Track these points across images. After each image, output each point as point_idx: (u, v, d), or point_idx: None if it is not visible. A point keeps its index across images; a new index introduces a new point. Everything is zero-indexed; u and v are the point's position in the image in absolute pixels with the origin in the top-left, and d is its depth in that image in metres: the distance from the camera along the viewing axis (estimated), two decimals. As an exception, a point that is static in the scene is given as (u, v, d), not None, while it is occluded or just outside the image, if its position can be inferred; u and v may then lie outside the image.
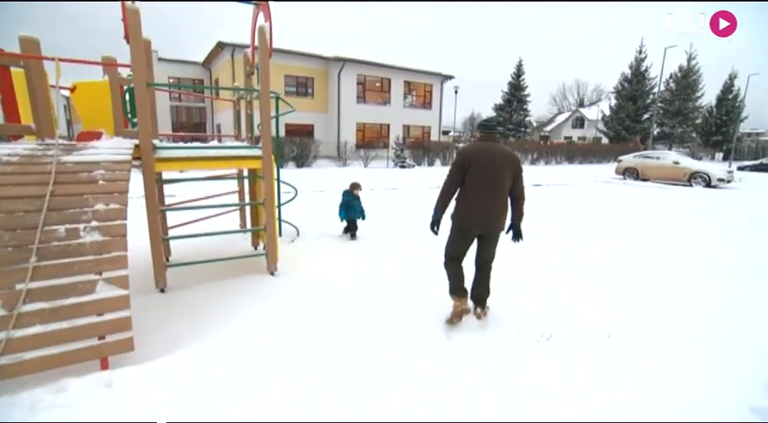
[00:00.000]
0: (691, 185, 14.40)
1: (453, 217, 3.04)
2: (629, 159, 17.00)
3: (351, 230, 5.62)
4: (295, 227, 5.77)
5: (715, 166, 15.05)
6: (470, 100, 62.10)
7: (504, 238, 3.13)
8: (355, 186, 5.66)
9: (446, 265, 3.14)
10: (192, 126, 28.78)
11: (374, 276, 4.12)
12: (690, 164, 15.13)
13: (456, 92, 26.75)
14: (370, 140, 27.23)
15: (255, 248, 5.02)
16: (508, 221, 3.09)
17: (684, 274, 4.44)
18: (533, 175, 17.80)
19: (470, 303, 3.22)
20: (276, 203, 4.03)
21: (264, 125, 3.76)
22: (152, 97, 3.95)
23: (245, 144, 4.79)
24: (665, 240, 6.02)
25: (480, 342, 2.82)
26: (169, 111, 27.68)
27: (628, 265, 4.71)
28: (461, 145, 23.94)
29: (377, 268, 4.39)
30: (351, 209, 5.54)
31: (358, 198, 5.61)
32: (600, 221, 7.52)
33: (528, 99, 41.78)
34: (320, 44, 25.96)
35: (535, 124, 55.71)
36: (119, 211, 2.59)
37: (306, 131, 25.79)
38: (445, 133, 42.51)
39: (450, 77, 29.63)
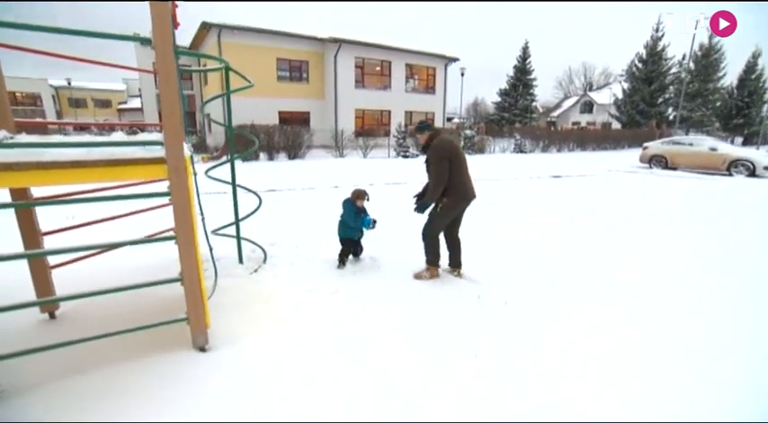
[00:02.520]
0: (730, 175, 12.76)
1: (451, 197, 3.55)
2: (656, 146, 15.30)
3: (346, 255, 4.09)
4: (262, 249, 4.24)
5: (759, 153, 13.35)
6: (474, 85, 59.91)
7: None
8: (360, 195, 4.03)
9: (432, 239, 3.73)
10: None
11: (378, 356, 2.57)
12: (729, 150, 13.44)
13: (462, 74, 25.03)
14: (370, 128, 25.49)
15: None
16: None
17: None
18: (547, 164, 16.17)
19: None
20: (196, 236, 2.49)
21: (165, 101, 2.20)
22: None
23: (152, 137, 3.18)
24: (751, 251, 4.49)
25: None
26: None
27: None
28: (468, 132, 22.53)
29: (384, 330, 2.85)
30: (351, 228, 4.05)
31: (363, 211, 4.09)
32: (647, 222, 5.95)
33: (534, 83, 39.78)
34: (315, 25, 24.11)
35: (541, 110, 53.62)
36: None
37: (301, 119, 24.12)
38: (449, 120, 40.68)
39: (455, 60, 27.70)
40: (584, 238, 5.26)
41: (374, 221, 4.02)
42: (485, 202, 7.44)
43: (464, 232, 3.88)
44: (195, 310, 2.44)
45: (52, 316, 2.93)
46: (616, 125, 37.62)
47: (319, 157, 17.91)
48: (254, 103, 21.75)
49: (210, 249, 3.51)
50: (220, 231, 3.96)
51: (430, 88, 28.22)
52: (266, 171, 13.07)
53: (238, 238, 3.95)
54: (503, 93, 40.82)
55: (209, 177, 3.79)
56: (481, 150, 22.21)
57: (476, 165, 15.92)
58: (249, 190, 4.07)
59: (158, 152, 2.23)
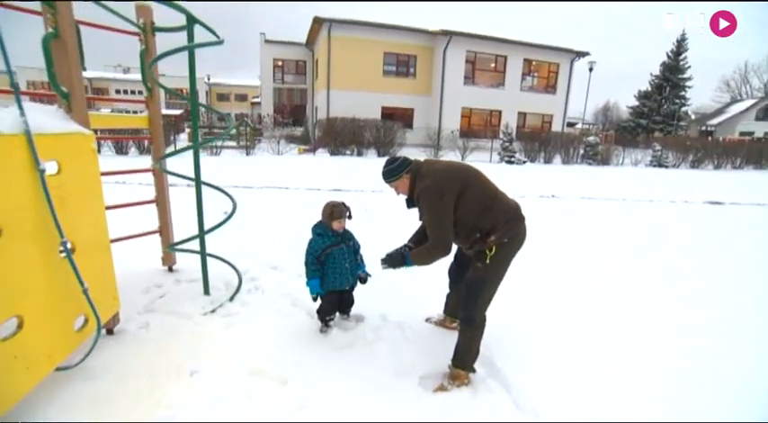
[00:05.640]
0: None
1: (501, 231, 2.04)
2: None
3: (330, 313, 2.60)
4: (237, 271, 3.15)
5: None
6: (606, 88, 52.14)
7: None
8: (335, 212, 2.43)
9: (479, 328, 2.16)
10: (292, 108, 28.55)
11: None
12: None
13: (591, 69, 21.32)
14: (477, 129, 23.43)
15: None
16: None
17: None
18: (700, 184, 12.34)
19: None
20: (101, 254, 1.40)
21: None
22: None
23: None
24: None
25: None
26: (272, 92, 27.76)
27: None
28: (590, 139, 18.94)
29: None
30: (332, 266, 2.47)
31: (343, 236, 2.53)
32: None
33: (688, 84, 32.66)
34: (427, 18, 22.94)
35: (693, 116, 44.12)
36: None
37: (404, 116, 23.18)
38: (570, 125, 35.85)
39: (584, 54, 23.84)
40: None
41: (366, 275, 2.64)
42: (595, 235, 5.33)
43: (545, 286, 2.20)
44: None
45: None
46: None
47: (412, 156, 16.71)
48: (356, 96, 21.57)
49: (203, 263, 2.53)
50: (182, 246, 2.95)
51: (550, 87, 24.86)
52: (342, 166, 12.33)
53: (203, 257, 2.89)
54: (642, 95, 34.58)
55: (165, 172, 2.78)
56: (605, 161, 18.52)
57: (594, 178, 12.96)
58: (220, 189, 2.97)
59: None
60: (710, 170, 18.66)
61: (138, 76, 2.93)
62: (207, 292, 2.99)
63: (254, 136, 18.02)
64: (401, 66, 23.04)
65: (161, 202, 3.23)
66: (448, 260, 2.51)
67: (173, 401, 1.86)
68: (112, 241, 3.15)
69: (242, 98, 57.78)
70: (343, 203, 2.47)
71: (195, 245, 2.92)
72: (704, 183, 12.80)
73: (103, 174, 2.93)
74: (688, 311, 3.15)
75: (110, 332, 2.36)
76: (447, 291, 2.70)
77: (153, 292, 3.03)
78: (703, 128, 41.46)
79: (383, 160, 2.27)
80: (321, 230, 2.47)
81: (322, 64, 22.49)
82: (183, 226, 3.38)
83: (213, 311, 2.74)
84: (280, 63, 27.65)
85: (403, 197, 2.30)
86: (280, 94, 28.12)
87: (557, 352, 2.47)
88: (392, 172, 2.20)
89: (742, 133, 37.89)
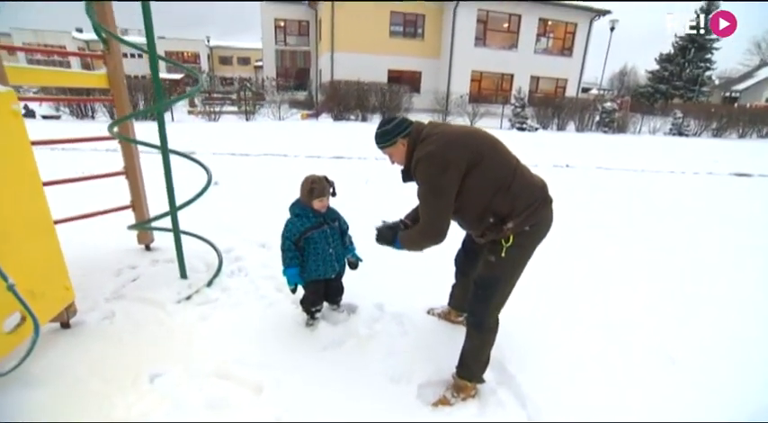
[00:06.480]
0: None
1: (521, 218, 1.60)
2: None
3: (316, 304, 2.25)
4: (217, 250, 2.83)
5: None
6: (624, 51, 49.20)
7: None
8: (315, 190, 2.01)
9: (491, 331, 1.79)
10: (296, 71, 27.45)
11: None
12: None
13: (612, 28, 19.94)
14: (487, 93, 22.41)
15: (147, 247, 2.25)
16: None
17: None
18: (724, 154, 11.65)
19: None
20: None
21: None
22: None
23: None
24: None
25: None
26: (274, 55, 26.62)
27: None
28: (607, 105, 17.94)
29: None
30: (313, 252, 2.11)
31: (326, 216, 2.14)
32: None
33: (715, 46, 30.59)
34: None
35: (716, 81, 41.76)
36: None
37: (412, 79, 22.14)
38: (585, 90, 34.22)
39: (606, 13, 22.24)
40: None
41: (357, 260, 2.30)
42: (616, 211, 4.91)
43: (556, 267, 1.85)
44: None
45: None
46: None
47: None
48: (362, 59, 20.57)
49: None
50: (157, 222, 2.61)
51: (566, 50, 23.43)
52: (345, 132, 11.78)
53: (176, 236, 2.55)
54: (665, 58, 32.59)
55: (119, 136, 2.40)
56: (621, 129, 17.66)
57: (610, 147, 12.28)
58: (188, 157, 2.58)
59: None
60: (735, 139, 17.75)
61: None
62: (184, 275, 2.68)
63: (255, 101, 17.33)
64: (408, 26, 21.75)
65: (131, 173, 2.86)
66: (455, 244, 2.14)
67: (122, 416, 1.57)
68: (81, 218, 2.84)
69: (245, 61, 56.07)
70: (326, 178, 2.05)
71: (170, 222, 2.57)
72: (729, 153, 12.10)
73: (55, 142, 2.57)
74: (733, 313, 2.79)
75: (65, 326, 2.07)
76: (452, 280, 2.34)
77: (125, 274, 2.72)
78: (727, 94, 39.47)
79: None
80: (299, 210, 2.08)
81: (325, 24, 21.29)
82: (163, 199, 3.03)
83: (188, 298, 2.42)
84: (282, 23, 26.27)
85: (399, 168, 1.85)
86: (282, 56, 26.90)
87: (577, 353, 2.14)
88: (385, 135, 1.74)
89: None
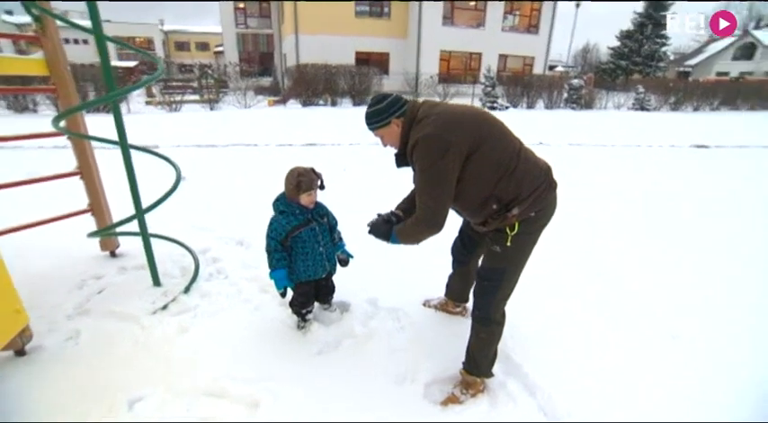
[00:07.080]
0: None
1: (525, 205, 1.50)
2: None
3: (307, 306, 2.08)
4: (192, 253, 2.62)
5: None
6: (586, 30, 50.25)
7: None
8: (302, 183, 1.80)
9: (499, 324, 1.70)
10: (260, 55, 26.32)
11: None
12: None
13: (578, 5, 20.11)
14: (456, 73, 22.27)
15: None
16: None
17: None
18: (683, 127, 12.11)
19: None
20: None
21: None
22: None
23: None
24: None
25: None
26: (235, 39, 25.38)
27: None
28: (574, 82, 18.25)
29: None
30: (301, 252, 1.93)
31: (314, 212, 1.95)
32: None
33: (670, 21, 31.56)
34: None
35: (672, 57, 43.34)
36: None
37: (380, 61, 21.68)
38: (551, 68, 34.68)
39: (570, -11, 22.43)
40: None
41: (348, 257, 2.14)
42: (602, 188, 4.94)
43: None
44: None
45: None
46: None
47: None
48: (327, 41, 19.91)
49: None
50: (123, 227, 2.36)
51: (532, 27, 23.54)
52: (315, 118, 11.41)
53: (145, 239, 2.31)
54: (624, 35, 33.37)
55: (67, 132, 2.12)
56: (588, 105, 18.05)
57: (581, 124, 12.48)
58: (151, 152, 2.34)
59: None
60: (690, 112, 18.50)
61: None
62: (157, 282, 2.44)
63: (218, 88, 16.48)
64: (375, 5, 21.17)
65: (86, 173, 2.56)
66: (451, 233, 2.03)
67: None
68: (31, 226, 2.53)
69: (203, 47, 53.29)
70: (313, 170, 1.87)
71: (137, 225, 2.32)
72: (686, 126, 12.57)
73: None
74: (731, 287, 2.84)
75: (19, 354, 1.82)
76: (448, 270, 2.24)
77: (89, 286, 2.46)
78: (680, 69, 41.08)
79: (359, 110, 1.68)
80: (285, 207, 1.89)
81: (288, 4, 20.39)
82: (126, 199, 2.75)
83: (164, 308, 2.21)
84: (241, 5, 25.00)
85: (392, 151, 1.70)
86: (244, 40, 25.66)
87: (579, 337, 2.10)
88: (378, 114, 1.58)
89: (719, 73, 37.83)
